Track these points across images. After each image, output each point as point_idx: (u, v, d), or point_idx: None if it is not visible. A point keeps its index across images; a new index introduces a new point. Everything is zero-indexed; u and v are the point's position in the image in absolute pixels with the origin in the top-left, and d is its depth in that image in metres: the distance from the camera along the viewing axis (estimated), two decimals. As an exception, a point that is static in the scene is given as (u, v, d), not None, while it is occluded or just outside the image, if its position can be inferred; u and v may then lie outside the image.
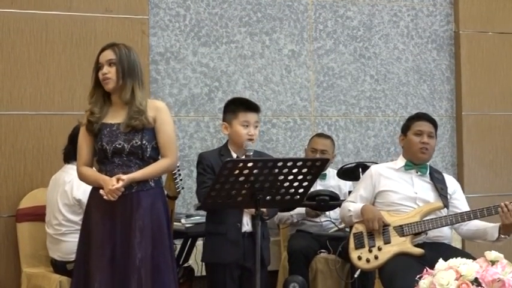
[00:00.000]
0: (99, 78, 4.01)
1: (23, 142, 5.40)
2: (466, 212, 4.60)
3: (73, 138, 4.72)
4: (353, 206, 4.72)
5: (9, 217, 5.28)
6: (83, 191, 4.59)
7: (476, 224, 4.65)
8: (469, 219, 4.56)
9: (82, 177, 4.10)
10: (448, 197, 4.72)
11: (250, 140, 4.46)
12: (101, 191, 3.89)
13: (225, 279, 4.44)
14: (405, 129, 4.86)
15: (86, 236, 4.02)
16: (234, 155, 4.52)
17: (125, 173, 3.94)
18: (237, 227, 4.41)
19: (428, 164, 4.82)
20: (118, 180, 3.88)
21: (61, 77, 5.52)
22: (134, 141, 3.98)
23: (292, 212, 5.61)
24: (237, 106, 4.57)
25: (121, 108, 4.02)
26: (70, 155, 4.86)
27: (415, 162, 4.77)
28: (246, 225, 4.44)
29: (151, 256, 3.95)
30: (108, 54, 4.01)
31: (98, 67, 4.03)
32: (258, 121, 4.57)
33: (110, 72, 3.98)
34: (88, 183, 4.10)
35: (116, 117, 4.02)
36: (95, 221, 3.97)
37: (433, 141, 4.79)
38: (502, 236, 4.51)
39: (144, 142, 3.99)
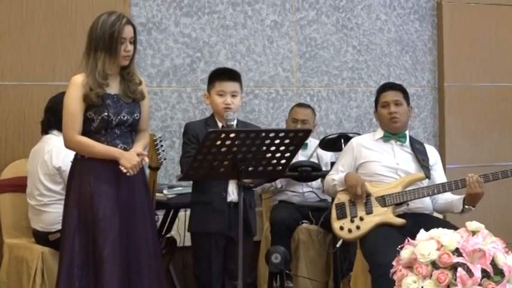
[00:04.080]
0: (118, 49, 3.96)
1: (3, 112, 5.36)
2: (447, 182, 4.62)
3: (51, 109, 4.79)
4: (337, 175, 4.73)
5: (-9, 188, 5.26)
6: (62, 159, 4.59)
7: (445, 198, 4.70)
8: (450, 189, 4.59)
9: (80, 145, 3.98)
10: (430, 167, 4.74)
11: (227, 109, 4.46)
12: (123, 167, 3.90)
13: (210, 248, 4.46)
14: (375, 103, 4.87)
15: (81, 207, 3.97)
16: (220, 125, 4.52)
17: (124, 143, 4.02)
18: (222, 196, 4.42)
19: (406, 133, 4.83)
20: (138, 155, 3.97)
21: (42, 47, 5.47)
22: (135, 115, 4.06)
23: (274, 180, 5.61)
24: (215, 76, 4.61)
25: (114, 78, 4.03)
26: (50, 125, 4.84)
27: (392, 132, 4.78)
28: (232, 195, 4.45)
29: (151, 227, 4.17)
30: (131, 32, 4.01)
31: (121, 39, 3.95)
32: (237, 90, 4.55)
33: (131, 50, 4.01)
34: (89, 153, 3.98)
35: (111, 87, 4.01)
36: (97, 192, 3.95)
37: (402, 108, 4.76)
38: (467, 207, 4.56)
39: (139, 115, 4.09)
